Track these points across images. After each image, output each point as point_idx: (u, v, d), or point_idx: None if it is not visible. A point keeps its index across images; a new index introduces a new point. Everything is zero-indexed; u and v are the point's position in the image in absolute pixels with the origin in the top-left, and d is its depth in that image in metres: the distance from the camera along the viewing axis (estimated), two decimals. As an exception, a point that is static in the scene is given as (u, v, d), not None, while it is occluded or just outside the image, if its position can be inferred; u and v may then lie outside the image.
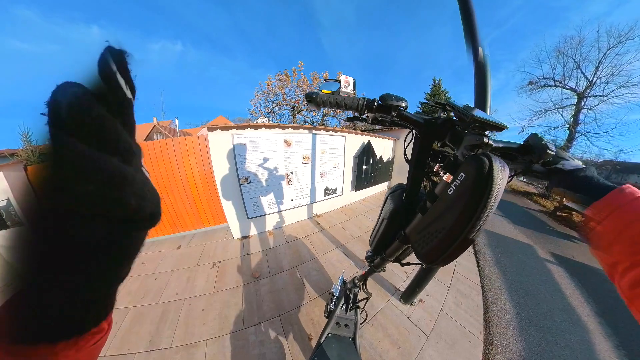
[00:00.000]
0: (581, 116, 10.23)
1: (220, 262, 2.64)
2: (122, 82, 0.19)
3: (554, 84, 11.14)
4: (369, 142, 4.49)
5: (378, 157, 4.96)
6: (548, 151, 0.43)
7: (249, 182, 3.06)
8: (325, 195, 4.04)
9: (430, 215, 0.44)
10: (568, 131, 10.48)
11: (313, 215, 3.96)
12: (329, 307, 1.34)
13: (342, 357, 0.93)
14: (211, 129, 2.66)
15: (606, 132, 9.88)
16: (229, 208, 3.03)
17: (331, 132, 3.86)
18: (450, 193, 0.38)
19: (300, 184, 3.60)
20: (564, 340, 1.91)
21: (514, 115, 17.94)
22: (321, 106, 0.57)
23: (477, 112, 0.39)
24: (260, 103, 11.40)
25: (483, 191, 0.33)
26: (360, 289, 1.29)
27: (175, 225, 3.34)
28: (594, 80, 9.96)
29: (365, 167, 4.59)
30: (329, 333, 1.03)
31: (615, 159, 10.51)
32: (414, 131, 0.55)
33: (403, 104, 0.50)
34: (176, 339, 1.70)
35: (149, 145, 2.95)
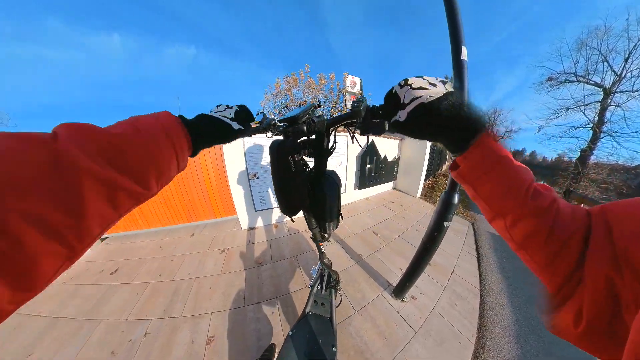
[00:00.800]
0: (607, 114, 9.26)
1: (228, 248, 2.90)
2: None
3: (575, 80, 10.16)
4: (372, 142, 4.59)
5: (382, 156, 5.03)
6: (354, 110, 0.50)
7: (257, 178, 3.30)
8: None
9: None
10: (591, 131, 9.59)
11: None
12: (308, 287, 1.45)
13: (320, 331, 1.02)
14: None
15: (637, 131, 8.90)
16: (238, 201, 3.29)
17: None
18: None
19: (304, 180, 3.79)
20: (569, 354, 1.74)
21: (531, 114, 16.26)
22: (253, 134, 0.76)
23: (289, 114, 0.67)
24: (269, 105, 11.78)
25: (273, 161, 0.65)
26: (330, 270, 1.35)
27: (190, 215, 3.65)
28: (622, 74, 8.99)
29: (368, 166, 4.69)
30: (309, 311, 1.13)
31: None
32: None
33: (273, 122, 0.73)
34: (186, 310, 1.96)
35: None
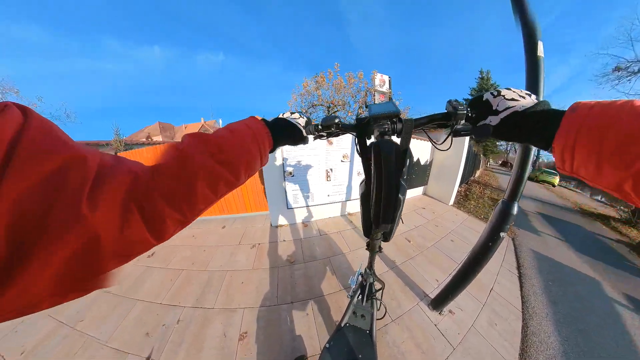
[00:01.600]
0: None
1: (259, 244, 2.86)
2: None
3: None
4: None
5: (415, 159, 4.77)
6: (458, 112, 0.48)
7: (293, 176, 3.25)
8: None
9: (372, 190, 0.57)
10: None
11: (347, 212, 3.99)
12: (347, 297, 1.38)
13: (359, 345, 0.96)
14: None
15: None
16: (272, 198, 3.26)
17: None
18: (372, 171, 0.54)
19: (337, 181, 3.68)
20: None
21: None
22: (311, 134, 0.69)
23: (372, 110, 0.56)
24: (296, 104, 11.88)
25: (378, 162, 0.48)
26: (373, 279, 1.30)
27: (222, 208, 3.70)
28: None
29: None
30: (347, 323, 1.06)
31: None
32: (354, 134, 0.67)
33: (336, 120, 0.64)
34: (218, 302, 1.92)
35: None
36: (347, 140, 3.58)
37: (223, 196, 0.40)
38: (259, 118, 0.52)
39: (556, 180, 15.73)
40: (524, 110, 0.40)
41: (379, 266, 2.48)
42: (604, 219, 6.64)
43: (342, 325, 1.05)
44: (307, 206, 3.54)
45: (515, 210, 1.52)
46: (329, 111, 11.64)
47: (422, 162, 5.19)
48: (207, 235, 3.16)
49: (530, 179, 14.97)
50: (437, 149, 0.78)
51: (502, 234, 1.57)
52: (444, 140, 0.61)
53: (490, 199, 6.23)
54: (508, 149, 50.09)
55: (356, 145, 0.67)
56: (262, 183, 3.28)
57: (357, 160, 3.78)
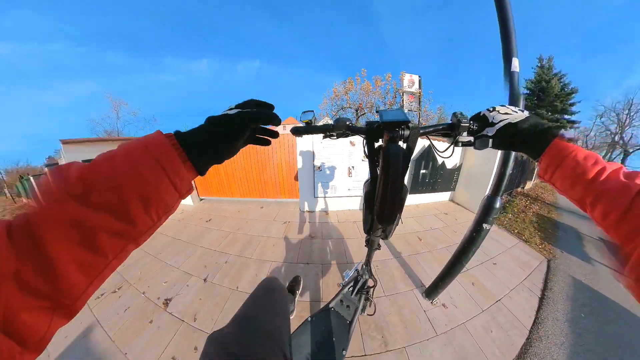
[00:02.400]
0: None
1: (289, 221, 3.55)
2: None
3: None
4: (429, 146, 4.32)
5: (440, 162, 4.71)
6: (462, 124, 0.54)
7: (321, 170, 3.87)
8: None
9: (378, 190, 0.64)
10: None
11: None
12: (338, 285, 1.53)
13: (337, 330, 1.02)
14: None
15: None
16: (303, 187, 3.98)
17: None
18: (379, 172, 0.62)
19: (358, 177, 4.15)
20: None
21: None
22: (304, 134, 0.75)
23: (384, 117, 0.58)
24: (327, 107, 12.87)
25: (387, 165, 0.53)
26: (367, 276, 1.34)
27: (262, 193, 4.56)
28: None
29: (423, 171, 4.58)
30: (332, 307, 1.12)
31: None
32: (363, 136, 0.71)
33: (347, 122, 0.72)
34: (254, 255, 2.62)
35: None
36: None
37: (123, 251, 0.28)
38: (166, 133, 0.34)
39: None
40: (517, 122, 0.47)
41: (383, 253, 2.70)
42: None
43: (329, 307, 1.11)
44: (330, 197, 4.11)
45: (498, 204, 1.62)
46: (357, 113, 12.05)
47: (449, 166, 5.01)
48: (249, 212, 4.02)
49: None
50: (439, 156, 0.88)
51: (484, 226, 1.69)
52: (446, 149, 0.71)
53: (535, 215, 5.13)
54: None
55: (364, 147, 0.71)
56: (296, 178, 4.07)
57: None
